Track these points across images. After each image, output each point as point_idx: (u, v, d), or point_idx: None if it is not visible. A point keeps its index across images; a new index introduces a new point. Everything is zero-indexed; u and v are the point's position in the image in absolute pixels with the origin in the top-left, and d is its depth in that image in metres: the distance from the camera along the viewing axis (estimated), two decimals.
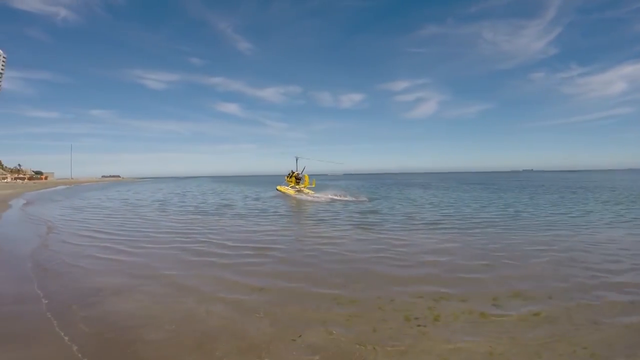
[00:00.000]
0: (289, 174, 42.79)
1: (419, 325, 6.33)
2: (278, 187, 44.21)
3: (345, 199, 33.86)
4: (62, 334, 6.01)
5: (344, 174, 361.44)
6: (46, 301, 7.57)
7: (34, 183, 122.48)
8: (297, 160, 42.59)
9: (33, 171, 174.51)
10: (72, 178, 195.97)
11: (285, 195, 40.03)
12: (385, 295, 7.88)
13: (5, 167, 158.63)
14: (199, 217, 22.48)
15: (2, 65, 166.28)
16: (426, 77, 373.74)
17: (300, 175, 41.46)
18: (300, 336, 5.94)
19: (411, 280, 8.89)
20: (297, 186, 40.94)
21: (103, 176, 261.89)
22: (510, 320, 6.51)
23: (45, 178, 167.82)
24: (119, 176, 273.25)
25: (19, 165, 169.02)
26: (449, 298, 7.65)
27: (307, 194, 37.66)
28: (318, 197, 35.34)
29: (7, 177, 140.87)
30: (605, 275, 9.13)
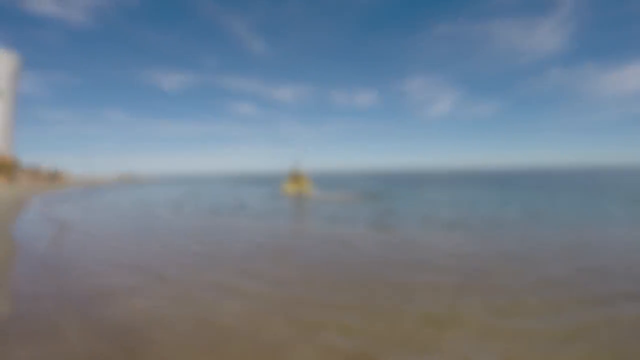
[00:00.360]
0: (291, 174, 51.95)
1: (437, 327, 6.11)
2: (282, 188, 54.46)
3: (359, 198, 34.36)
4: (69, 333, 5.91)
5: (359, 173, 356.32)
6: (54, 301, 7.52)
7: (52, 183, 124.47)
8: (297, 162, 51.04)
9: (50, 171, 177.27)
10: (89, 178, 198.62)
11: (291, 194, 46.39)
12: (404, 296, 7.66)
13: (25, 168, 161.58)
14: (214, 217, 22.36)
15: (19, 67, 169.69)
16: (440, 75, 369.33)
17: (301, 175, 50.54)
18: (317, 336, 5.76)
19: (430, 283, 8.64)
20: (297, 185, 50.30)
21: (120, 176, 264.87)
22: (528, 323, 6.25)
23: (62, 179, 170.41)
24: (135, 176, 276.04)
25: (37, 165, 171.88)
26: (470, 300, 7.39)
27: (306, 192, 46.69)
28: (330, 196, 38.33)
29: (25, 177, 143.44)
30: (627, 281, 8.76)
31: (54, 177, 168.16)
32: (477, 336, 5.87)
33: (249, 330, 6.10)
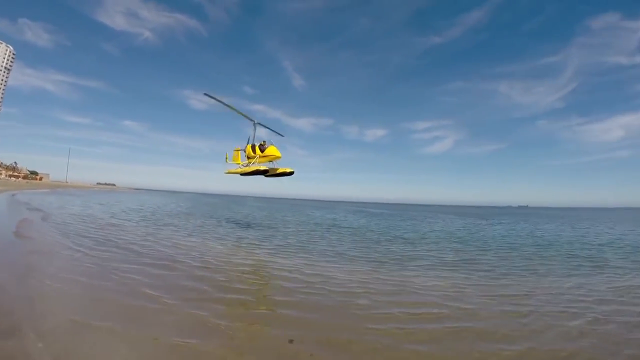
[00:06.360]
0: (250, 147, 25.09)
1: None
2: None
3: None
4: None
5: (365, 202, 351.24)
6: None
7: (27, 182, 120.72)
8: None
9: (28, 170, 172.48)
10: (66, 182, 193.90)
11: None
12: None
13: (1, 163, 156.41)
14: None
15: (11, 60, 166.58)
16: (444, 120, 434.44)
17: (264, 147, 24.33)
18: None
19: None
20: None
21: (98, 183, 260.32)
22: None
23: (40, 179, 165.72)
24: (114, 184, 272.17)
25: (15, 163, 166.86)
26: None
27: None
28: None
29: (1, 174, 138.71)
30: None
31: (33, 176, 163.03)
32: None
33: None
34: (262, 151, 23.79)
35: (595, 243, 22.82)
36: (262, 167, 23.43)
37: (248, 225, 27.70)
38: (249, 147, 24.70)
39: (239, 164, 25.59)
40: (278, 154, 23.40)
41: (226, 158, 26.64)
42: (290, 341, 6.05)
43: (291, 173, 24.54)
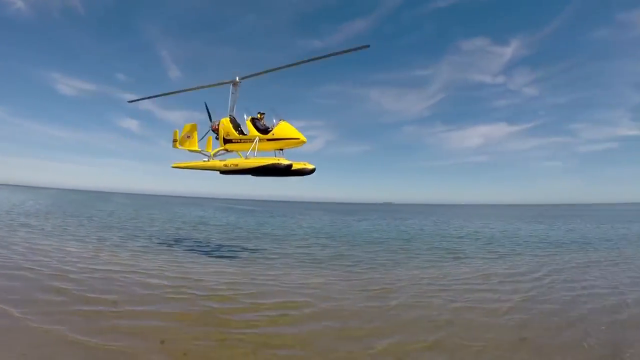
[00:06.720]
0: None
1: None
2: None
3: None
4: None
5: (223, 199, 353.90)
6: None
7: None
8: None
9: None
10: None
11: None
12: None
13: None
14: None
15: None
16: (319, 120, 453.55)
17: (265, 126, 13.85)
18: None
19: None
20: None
21: None
22: None
23: None
24: None
25: None
26: None
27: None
28: None
29: None
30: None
31: None
32: None
33: None
34: (263, 131, 13.53)
35: (455, 236, 25.70)
36: (284, 162, 13.09)
37: (112, 225, 24.59)
38: (226, 122, 14.06)
39: (196, 150, 14.78)
40: (301, 136, 13.36)
41: (175, 140, 15.02)
42: (162, 342, 5.86)
43: (312, 171, 14.53)
